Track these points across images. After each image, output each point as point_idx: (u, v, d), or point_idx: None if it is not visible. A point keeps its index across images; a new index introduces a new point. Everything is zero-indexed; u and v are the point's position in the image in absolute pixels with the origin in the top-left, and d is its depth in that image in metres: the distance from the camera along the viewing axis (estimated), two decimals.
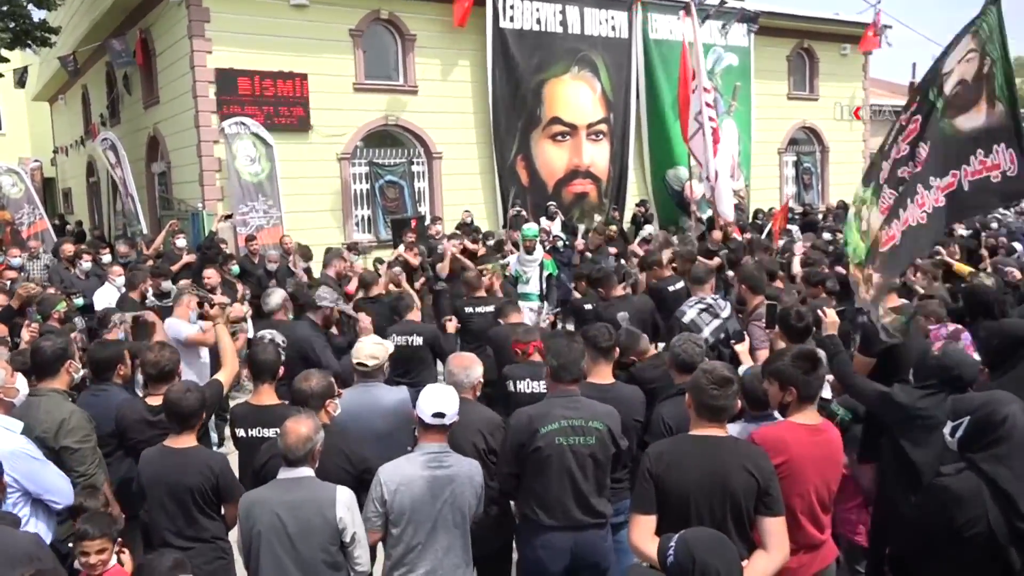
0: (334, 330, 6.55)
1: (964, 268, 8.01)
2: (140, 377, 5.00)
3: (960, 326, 4.72)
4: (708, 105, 12.85)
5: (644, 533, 2.96)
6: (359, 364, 4.32)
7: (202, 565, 3.54)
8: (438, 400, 3.41)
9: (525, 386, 4.69)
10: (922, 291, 6.91)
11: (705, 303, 5.83)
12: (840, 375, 4.14)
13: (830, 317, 4.34)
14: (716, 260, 9.37)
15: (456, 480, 3.40)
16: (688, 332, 4.87)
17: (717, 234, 11.23)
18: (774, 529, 2.97)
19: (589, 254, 11.26)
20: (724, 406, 3.08)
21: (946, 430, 3.03)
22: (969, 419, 2.93)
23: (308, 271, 10.14)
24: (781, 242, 11.05)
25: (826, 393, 4.36)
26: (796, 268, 8.02)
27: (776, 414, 3.62)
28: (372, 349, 4.36)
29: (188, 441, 3.64)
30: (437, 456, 3.41)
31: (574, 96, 15.84)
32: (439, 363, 5.90)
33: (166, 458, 3.60)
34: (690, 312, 5.81)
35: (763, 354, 4.98)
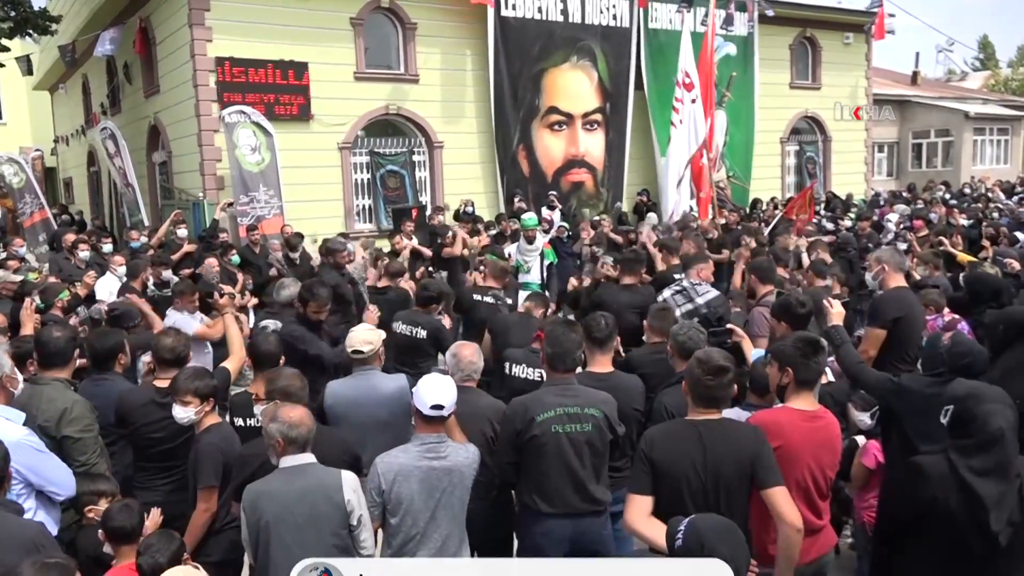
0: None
1: (967, 257, 8.00)
2: (140, 366, 5.03)
3: (957, 316, 4.73)
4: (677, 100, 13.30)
5: (639, 513, 2.99)
6: (354, 352, 4.32)
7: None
8: (437, 392, 3.37)
9: (520, 371, 4.72)
10: (919, 278, 6.92)
11: (681, 286, 5.93)
12: (846, 366, 4.12)
13: (836, 308, 4.30)
14: (725, 253, 9.38)
15: (454, 470, 3.40)
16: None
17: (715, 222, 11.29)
18: (776, 500, 2.99)
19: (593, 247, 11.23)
20: (719, 395, 3.11)
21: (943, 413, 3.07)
22: (952, 408, 2.97)
23: (288, 258, 9.90)
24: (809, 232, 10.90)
25: (827, 379, 4.37)
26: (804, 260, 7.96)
27: (776, 404, 3.63)
28: (365, 335, 4.36)
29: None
30: (434, 447, 3.39)
31: (571, 86, 15.80)
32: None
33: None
34: (666, 292, 5.95)
35: (762, 342, 4.99)
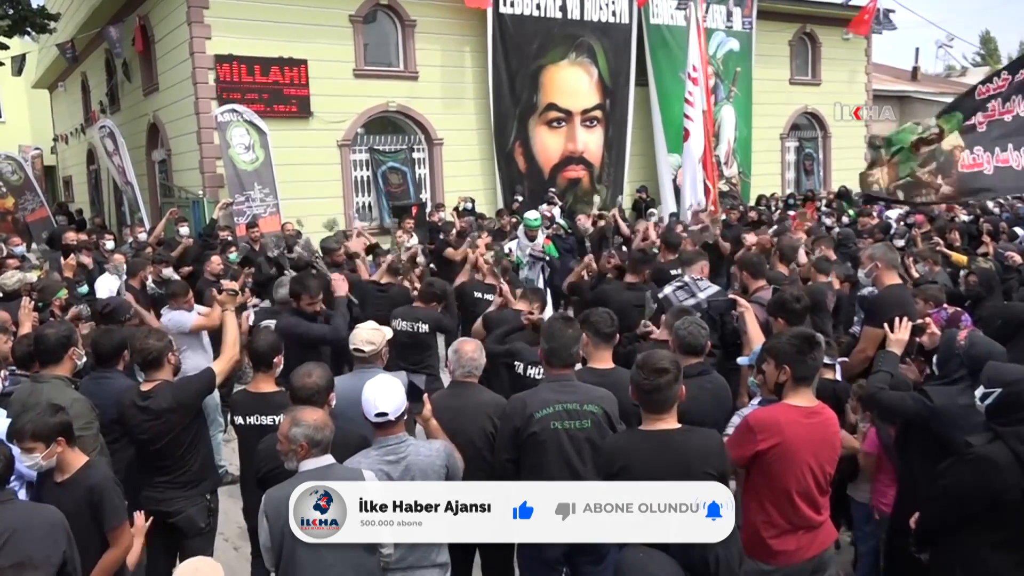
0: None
1: (961, 258, 7.95)
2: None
3: (959, 309, 4.72)
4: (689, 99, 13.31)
5: None
6: (356, 350, 4.28)
7: None
8: (380, 399, 3.30)
9: (536, 372, 4.66)
10: (917, 276, 6.91)
11: (683, 281, 5.94)
12: (868, 392, 3.89)
13: (899, 335, 3.98)
14: (727, 246, 9.39)
15: (412, 469, 3.34)
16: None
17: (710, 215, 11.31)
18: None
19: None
20: (659, 398, 3.07)
21: (977, 393, 3.08)
22: (1001, 391, 2.96)
23: (282, 255, 9.92)
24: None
25: (828, 375, 4.35)
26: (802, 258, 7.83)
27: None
28: (368, 335, 4.32)
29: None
30: (394, 448, 3.34)
31: (570, 82, 15.79)
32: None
33: None
34: (667, 288, 5.95)
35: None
